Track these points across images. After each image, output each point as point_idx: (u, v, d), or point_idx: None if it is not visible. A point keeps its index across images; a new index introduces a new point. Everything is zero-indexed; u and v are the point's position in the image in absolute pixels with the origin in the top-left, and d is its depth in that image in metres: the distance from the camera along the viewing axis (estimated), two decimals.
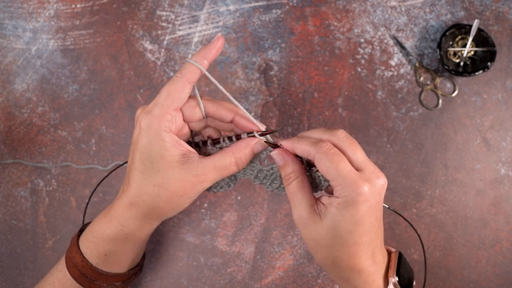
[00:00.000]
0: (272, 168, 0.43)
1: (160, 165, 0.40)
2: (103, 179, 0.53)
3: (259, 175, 0.44)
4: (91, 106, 0.61)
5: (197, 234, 0.58)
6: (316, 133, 0.41)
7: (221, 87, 0.41)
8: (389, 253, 0.43)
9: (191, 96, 0.42)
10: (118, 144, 0.60)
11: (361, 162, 0.38)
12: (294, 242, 0.58)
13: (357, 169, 0.38)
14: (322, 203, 0.39)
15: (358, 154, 0.39)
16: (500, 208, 0.57)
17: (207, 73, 0.40)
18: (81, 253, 0.45)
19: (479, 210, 0.57)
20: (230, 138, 0.42)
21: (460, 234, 0.57)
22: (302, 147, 0.39)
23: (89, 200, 0.53)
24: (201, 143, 0.44)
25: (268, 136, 0.42)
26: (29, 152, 0.61)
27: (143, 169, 0.41)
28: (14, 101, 0.62)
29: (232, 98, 0.42)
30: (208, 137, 0.44)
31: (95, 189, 0.54)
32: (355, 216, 0.37)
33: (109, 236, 0.44)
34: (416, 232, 0.48)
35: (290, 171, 0.40)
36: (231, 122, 0.43)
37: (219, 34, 0.41)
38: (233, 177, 0.45)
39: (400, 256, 0.42)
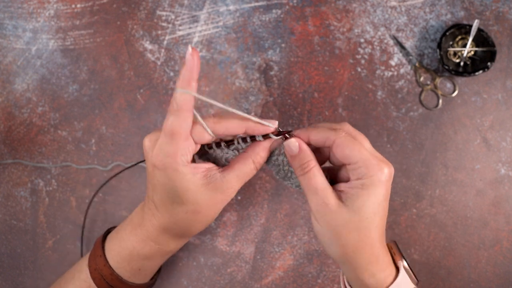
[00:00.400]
0: (277, 159, 0.43)
1: (187, 196, 0.40)
2: (105, 183, 0.53)
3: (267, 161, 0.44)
4: (91, 106, 0.61)
5: (197, 234, 0.58)
6: (324, 125, 0.41)
7: (224, 106, 0.39)
8: None
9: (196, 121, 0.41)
10: (118, 144, 0.60)
11: (372, 151, 0.39)
12: (294, 242, 0.58)
13: None
14: (340, 190, 0.39)
15: (366, 144, 0.40)
16: (500, 208, 0.57)
17: (202, 97, 0.38)
18: (109, 266, 0.45)
19: (479, 210, 0.57)
20: (244, 139, 0.42)
21: (460, 234, 0.57)
22: (319, 134, 0.40)
23: (89, 204, 0.53)
24: (215, 145, 0.43)
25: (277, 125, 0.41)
26: (29, 152, 0.61)
27: (170, 201, 0.41)
28: (14, 101, 0.62)
29: (238, 112, 0.40)
30: (221, 139, 0.44)
31: (96, 192, 0.54)
32: (379, 196, 0.38)
33: (145, 254, 0.45)
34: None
35: (307, 159, 0.40)
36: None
37: (191, 47, 0.37)
38: None
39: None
